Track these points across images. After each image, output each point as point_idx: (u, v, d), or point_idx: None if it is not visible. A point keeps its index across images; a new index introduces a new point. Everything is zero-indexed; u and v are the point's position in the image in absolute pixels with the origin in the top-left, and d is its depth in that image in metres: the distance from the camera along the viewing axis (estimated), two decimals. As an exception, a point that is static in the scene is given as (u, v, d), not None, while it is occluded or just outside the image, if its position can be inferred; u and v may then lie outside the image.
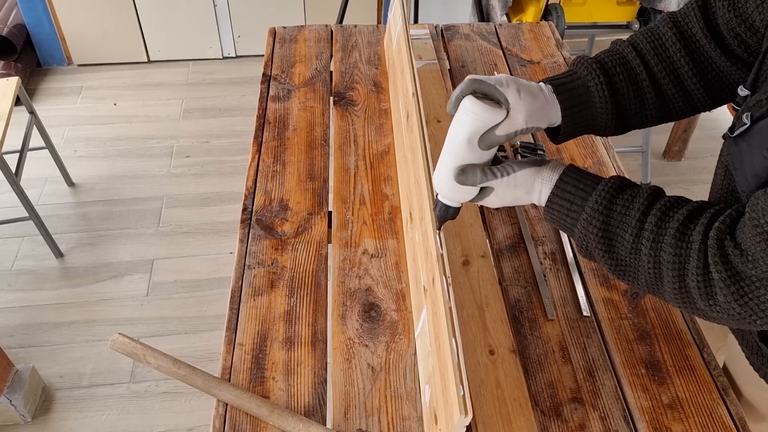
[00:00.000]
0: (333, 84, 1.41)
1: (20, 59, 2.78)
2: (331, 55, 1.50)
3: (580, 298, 0.99)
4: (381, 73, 1.44)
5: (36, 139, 2.21)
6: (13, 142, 2.27)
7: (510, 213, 1.13)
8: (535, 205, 1.14)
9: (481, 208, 1.14)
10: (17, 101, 1.99)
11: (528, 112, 0.76)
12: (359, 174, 1.19)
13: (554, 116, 0.80)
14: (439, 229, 0.82)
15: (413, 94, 1.00)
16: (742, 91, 0.77)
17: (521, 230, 1.09)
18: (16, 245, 2.15)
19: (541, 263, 1.04)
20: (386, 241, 1.07)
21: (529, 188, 0.78)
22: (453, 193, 0.78)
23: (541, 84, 0.80)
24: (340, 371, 0.89)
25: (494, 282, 1.00)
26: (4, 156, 1.85)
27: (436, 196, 0.81)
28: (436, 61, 1.47)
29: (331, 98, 1.37)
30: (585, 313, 0.97)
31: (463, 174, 0.76)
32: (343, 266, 1.03)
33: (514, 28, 1.62)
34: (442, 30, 1.60)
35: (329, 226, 1.10)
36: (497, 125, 0.74)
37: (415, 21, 2.43)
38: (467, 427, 0.65)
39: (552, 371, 0.90)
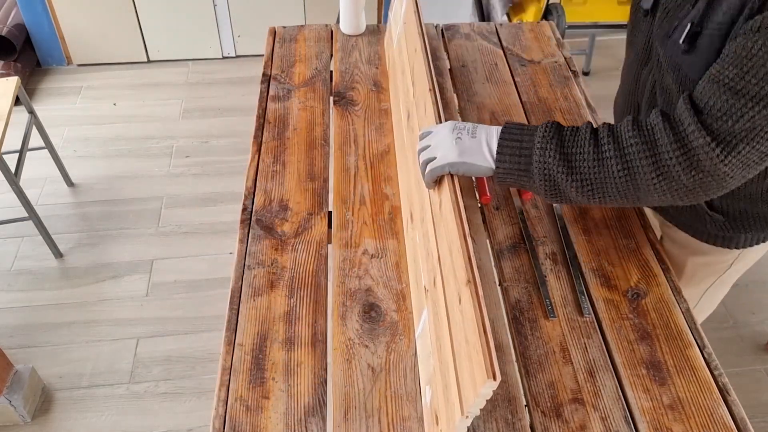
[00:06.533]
0: (333, 84, 1.41)
1: (20, 59, 2.78)
2: (331, 55, 1.50)
3: (580, 299, 0.99)
4: (381, 72, 1.44)
5: (35, 139, 2.21)
6: (13, 142, 2.27)
7: (510, 213, 1.13)
8: (535, 205, 1.14)
9: (482, 208, 1.13)
10: (17, 101, 1.99)
11: None
12: (359, 174, 1.19)
13: None
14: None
15: (430, 89, 0.99)
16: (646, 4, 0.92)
17: (522, 230, 1.09)
18: (15, 245, 2.14)
19: (541, 264, 1.04)
20: (386, 241, 1.06)
21: (479, 136, 0.88)
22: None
23: None
24: (340, 372, 0.89)
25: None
26: (4, 156, 1.85)
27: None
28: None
29: (331, 98, 1.37)
30: (586, 314, 0.97)
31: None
32: (343, 266, 1.03)
33: (514, 27, 1.62)
34: (442, 30, 1.60)
35: (329, 226, 1.10)
36: None
37: (415, 21, 2.42)
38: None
39: (553, 372, 0.90)
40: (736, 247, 1.06)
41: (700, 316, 1.31)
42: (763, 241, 1.06)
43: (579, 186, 0.82)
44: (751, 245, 1.06)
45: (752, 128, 0.73)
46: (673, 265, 1.18)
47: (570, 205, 0.86)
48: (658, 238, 1.21)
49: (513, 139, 0.86)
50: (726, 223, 1.02)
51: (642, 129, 0.80)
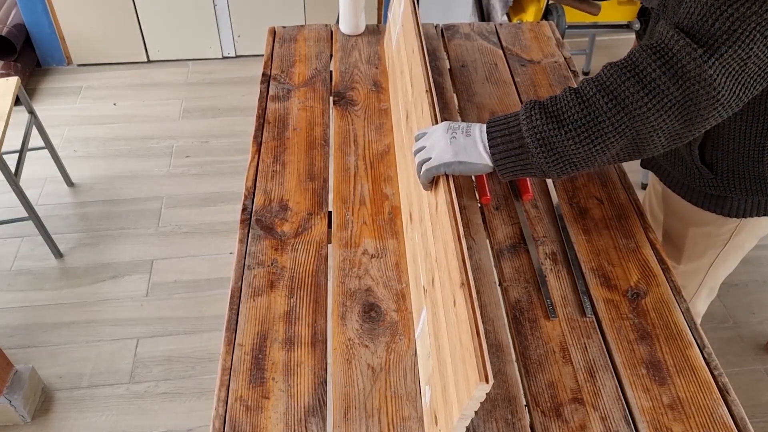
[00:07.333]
0: (333, 84, 1.41)
1: (20, 59, 2.78)
2: (331, 55, 1.50)
3: (582, 299, 0.99)
4: (381, 72, 1.44)
5: (35, 139, 2.21)
6: (13, 142, 2.27)
7: (510, 213, 1.13)
8: (535, 205, 1.14)
9: (482, 208, 1.13)
10: (17, 101, 1.99)
11: None
12: (359, 174, 1.19)
13: None
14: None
15: (427, 90, 0.99)
16: None
17: (522, 230, 1.09)
18: (15, 245, 2.14)
19: (541, 263, 1.04)
20: (386, 241, 1.06)
21: (473, 134, 0.89)
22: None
23: None
24: (340, 372, 0.89)
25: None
26: (4, 156, 1.85)
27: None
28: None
29: (331, 98, 1.37)
30: (588, 314, 0.96)
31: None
32: (343, 266, 1.03)
33: (514, 27, 1.62)
34: (442, 29, 1.60)
35: (329, 226, 1.10)
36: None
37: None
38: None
39: (552, 371, 0.90)
40: (729, 215, 1.08)
41: (707, 301, 1.32)
42: (757, 215, 1.07)
43: (575, 135, 0.82)
44: (744, 216, 1.07)
45: (732, 30, 0.73)
46: (676, 242, 1.19)
47: (579, 171, 0.86)
48: (661, 218, 1.22)
49: (499, 124, 0.88)
50: (714, 180, 1.05)
51: (617, 63, 0.81)
